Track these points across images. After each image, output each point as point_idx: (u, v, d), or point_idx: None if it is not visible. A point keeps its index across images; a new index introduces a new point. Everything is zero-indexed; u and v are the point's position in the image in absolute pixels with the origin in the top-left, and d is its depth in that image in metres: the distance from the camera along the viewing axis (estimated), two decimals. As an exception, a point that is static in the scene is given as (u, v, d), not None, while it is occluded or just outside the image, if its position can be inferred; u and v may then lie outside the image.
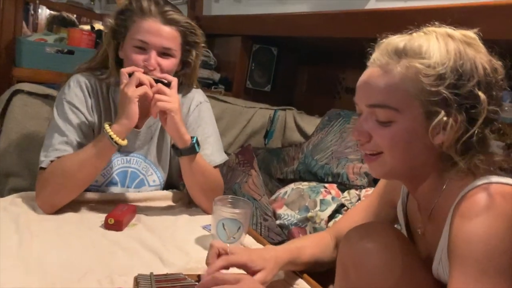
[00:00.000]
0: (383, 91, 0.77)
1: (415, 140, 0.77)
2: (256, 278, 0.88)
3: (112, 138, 1.17)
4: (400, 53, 0.76)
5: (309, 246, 1.05)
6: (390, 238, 0.82)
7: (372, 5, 1.58)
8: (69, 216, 1.20)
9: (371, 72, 0.79)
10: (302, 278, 1.01)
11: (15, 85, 1.71)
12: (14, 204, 1.22)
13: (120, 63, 1.29)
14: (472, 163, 0.74)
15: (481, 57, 0.76)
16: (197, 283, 0.86)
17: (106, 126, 1.18)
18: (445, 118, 0.73)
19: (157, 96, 1.18)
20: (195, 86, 1.45)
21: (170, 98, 1.19)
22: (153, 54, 1.22)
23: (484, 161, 0.74)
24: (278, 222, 1.48)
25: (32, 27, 3.80)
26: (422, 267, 0.83)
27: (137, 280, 0.85)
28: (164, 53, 1.25)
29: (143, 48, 1.23)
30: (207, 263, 0.90)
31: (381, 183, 1.08)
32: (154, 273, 0.89)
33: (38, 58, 1.92)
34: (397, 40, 0.78)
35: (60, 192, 1.19)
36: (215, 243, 0.92)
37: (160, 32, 1.23)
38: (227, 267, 0.88)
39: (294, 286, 1.00)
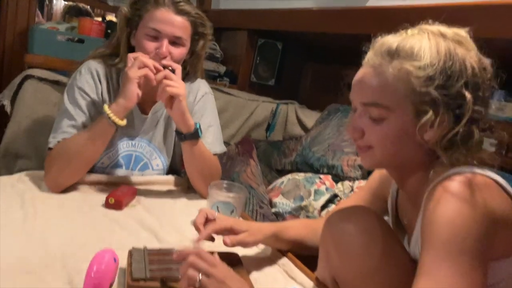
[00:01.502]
0: (376, 91, 0.80)
1: (404, 137, 0.81)
2: (237, 236, 0.94)
3: (110, 118, 1.22)
4: (392, 54, 0.80)
5: (297, 226, 1.10)
6: (370, 221, 0.85)
7: (372, 2, 1.61)
8: (72, 195, 1.27)
9: (365, 71, 0.83)
10: (286, 256, 1.06)
11: (26, 70, 1.78)
12: (21, 181, 1.28)
13: (131, 51, 1.34)
14: (454, 157, 0.78)
15: (471, 56, 0.79)
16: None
17: (105, 106, 1.23)
18: (433, 117, 0.77)
19: (166, 81, 1.22)
20: (200, 76, 1.50)
21: (177, 84, 1.24)
22: (165, 42, 1.28)
23: (465, 155, 0.78)
24: (273, 210, 1.53)
25: (47, 17, 3.87)
26: (401, 248, 0.87)
27: (131, 253, 0.90)
28: (175, 42, 1.30)
29: (155, 36, 1.28)
30: (194, 224, 0.96)
31: (373, 178, 1.12)
32: (148, 248, 0.94)
33: (49, 46, 1.97)
34: (391, 41, 0.81)
35: (65, 172, 1.25)
36: (204, 208, 0.98)
37: (172, 21, 1.28)
38: (215, 233, 0.94)
39: (280, 265, 1.04)
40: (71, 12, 2.92)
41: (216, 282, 0.72)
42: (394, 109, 0.79)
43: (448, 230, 0.70)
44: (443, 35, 0.80)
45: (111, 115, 1.22)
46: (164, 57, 1.27)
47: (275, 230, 1.04)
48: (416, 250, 0.84)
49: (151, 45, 1.28)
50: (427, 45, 0.79)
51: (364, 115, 0.83)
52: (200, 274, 0.74)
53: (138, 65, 1.22)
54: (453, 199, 0.72)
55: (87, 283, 0.70)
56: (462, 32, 0.81)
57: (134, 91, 1.22)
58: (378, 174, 1.10)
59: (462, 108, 0.77)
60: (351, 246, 0.85)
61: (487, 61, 0.81)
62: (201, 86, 1.49)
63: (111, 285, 0.77)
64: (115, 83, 1.38)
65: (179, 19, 1.29)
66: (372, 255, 0.83)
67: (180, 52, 1.31)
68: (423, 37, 0.80)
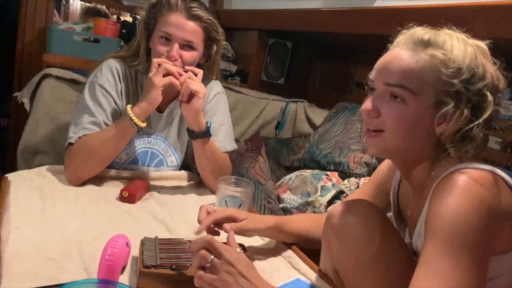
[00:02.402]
0: (405, 73, 0.82)
1: (419, 125, 0.83)
2: (238, 223, 1.00)
3: (132, 120, 1.28)
4: (426, 43, 0.83)
5: (300, 220, 1.14)
6: (370, 214, 0.89)
7: (379, 3, 1.65)
8: (88, 188, 1.33)
9: (397, 53, 0.85)
10: (291, 249, 1.10)
11: (44, 69, 1.85)
12: (40, 175, 1.34)
13: (150, 53, 1.40)
14: (462, 152, 0.81)
15: (489, 66, 0.83)
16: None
17: (128, 108, 1.30)
18: (452, 109, 0.80)
19: (189, 80, 1.29)
20: (214, 78, 1.55)
21: (199, 82, 1.31)
22: (176, 45, 1.33)
23: (473, 151, 0.81)
24: (281, 205, 1.57)
25: (64, 17, 3.97)
26: (399, 240, 0.91)
27: (143, 242, 0.96)
28: (186, 45, 1.35)
29: (168, 39, 1.34)
30: (198, 220, 1.01)
31: (377, 173, 1.15)
32: (159, 237, 1.00)
33: (66, 46, 2.04)
34: (423, 32, 0.85)
35: (85, 166, 1.32)
36: (204, 205, 1.03)
37: (184, 26, 1.33)
38: (216, 223, 0.99)
39: (285, 257, 1.09)
40: (89, 13, 3.00)
41: (225, 264, 0.77)
42: (417, 94, 0.82)
43: (452, 224, 0.72)
44: (467, 41, 0.85)
45: (133, 117, 1.28)
46: (175, 60, 1.32)
47: (277, 222, 1.08)
48: (419, 242, 0.87)
49: (162, 48, 1.33)
50: (456, 43, 0.83)
51: (384, 96, 0.85)
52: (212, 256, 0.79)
53: (162, 72, 1.28)
54: (459, 194, 0.74)
55: (102, 265, 0.75)
56: (483, 45, 0.85)
57: (157, 98, 1.29)
58: (382, 169, 1.13)
59: (481, 106, 0.81)
60: (351, 236, 0.88)
61: (500, 75, 0.85)
62: (215, 86, 1.54)
63: (123, 268, 0.82)
64: (133, 83, 1.44)
65: (190, 24, 1.34)
66: (370, 246, 0.87)
67: (191, 55, 1.36)
68: (452, 37, 0.84)
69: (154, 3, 1.39)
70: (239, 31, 2.65)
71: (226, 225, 0.99)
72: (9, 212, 1.07)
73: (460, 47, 0.82)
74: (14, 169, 1.45)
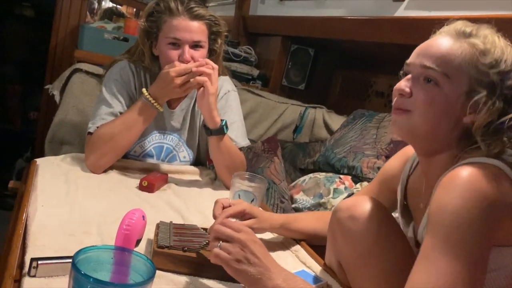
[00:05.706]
0: (442, 57, 0.83)
1: (448, 111, 0.84)
2: (245, 222, 1.04)
3: (149, 100, 1.36)
4: (468, 34, 0.85)
5: (308, 219, 1.18)
6: (374, 210, 0.92)
7: (400, 13, 1.68)
8: (110, 176, 1.40)
9: (437, 39, 0.87)
10: (299, 244, 1.14)
11: (75, 64, 1.94)
12: (66, 162, 1.43)
13: (155, 58, 1.47)
14: (492, 146, 0.81)
15: None
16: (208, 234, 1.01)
17: (144, 91, 1.37)
18: (484, 99, 0.81)
19: (201, 78, 1.34)
20: (222, 74, 1.58)
21: (215, 80, 1.36)
22: (186, 48, 1.38)
23: (503, 146, 0.82)
24: (293, 205, 1.61)
25: (96, 16, 4.14)
26: (401, 236, 0.94)
27: (158, 225, 1.01)
28: (195, 45, 1.40)
29: (176, 44, 1.39)
30: (213, 215, 1.05)
31: (382, 171, 1.16)
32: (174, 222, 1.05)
33: (97, 43, 2.15)
34: (465, 24, 0.87)
35: (104, 154, 1.38)
36: (219, 199, 1.08)
37: (190, 27, 1.38)
38: (230, 217, 1.03)
39: (292, 251, 1.13)
40: (108, 13, 3.13)
41: (238, 245, 0.81)
42: (451, 79, 0.83)
43: (453, 219, 0.73)
44: (507, 43, 0.86)
45: (150, 98, 1.36)
46: (188, 62, 1.37)
47: (283, 222, 1.12)
48: (424, 235, 0.88)
49: (174, 53, 1.39)
50: (496, 39, 0.85)
51: (419, 78, 0.86)
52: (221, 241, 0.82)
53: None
54: (460, 189, 0.74)
55: (119, 235, 0.81)
56: None
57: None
58: (387, 167, 1.14)
59: None
60: (355, 230, 0.91)
61: None
62: (224, 84, 1.58)
63: (139, 240, 0.87)
64: (146, 79, 1.51)
65: (195, 24, 1.39)
66: (372, 240, 0.90)
67: (200, 54, 1.41)
68: (494, 34, 0.86)
69: (151, 12, 1.43)
70: (263, 36, 2.72)
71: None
72: (36, 192, 1.14)
73: (501, 44, 0.84)
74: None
